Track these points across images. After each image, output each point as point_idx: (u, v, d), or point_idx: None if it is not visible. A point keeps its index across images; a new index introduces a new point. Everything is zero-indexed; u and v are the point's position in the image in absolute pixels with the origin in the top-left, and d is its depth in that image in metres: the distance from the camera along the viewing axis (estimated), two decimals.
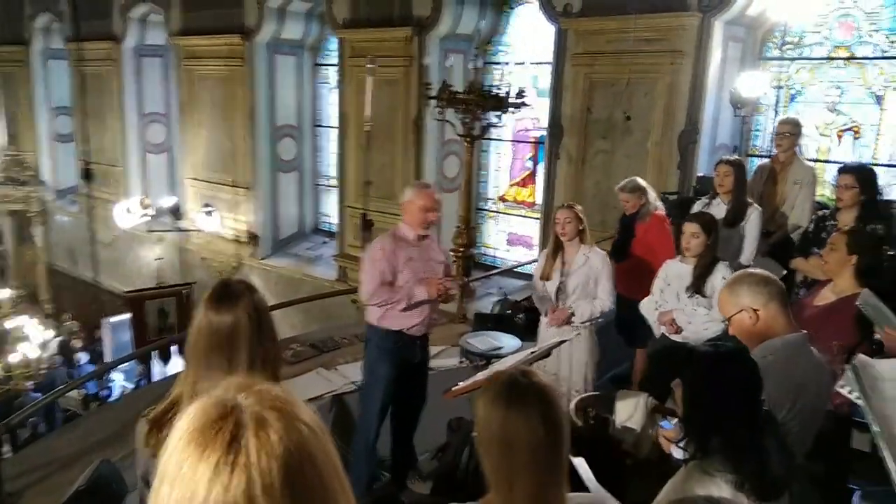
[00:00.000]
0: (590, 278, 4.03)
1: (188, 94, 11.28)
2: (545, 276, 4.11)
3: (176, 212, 9.68)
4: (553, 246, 4.15)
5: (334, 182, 10.32)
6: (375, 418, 3.77)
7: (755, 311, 2.28)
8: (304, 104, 10.77)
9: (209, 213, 10.47)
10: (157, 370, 8.64)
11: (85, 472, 3.00)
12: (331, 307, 8.26)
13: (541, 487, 1.40)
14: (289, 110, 10.63)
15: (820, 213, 4.28)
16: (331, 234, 10.68)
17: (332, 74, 10.31)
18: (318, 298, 6.43)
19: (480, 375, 3.33)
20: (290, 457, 0.75)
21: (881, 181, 6.24)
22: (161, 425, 1.64)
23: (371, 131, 8.48)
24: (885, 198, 5.73)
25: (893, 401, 1.21)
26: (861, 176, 3.96)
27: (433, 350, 4.88)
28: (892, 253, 4.12)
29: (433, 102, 5.98)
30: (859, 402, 1.21)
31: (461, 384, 3.26)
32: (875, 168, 6.23)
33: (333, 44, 9.96)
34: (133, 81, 12.11)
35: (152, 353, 8.28)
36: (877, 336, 2.75)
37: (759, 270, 2.54)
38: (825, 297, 3.08)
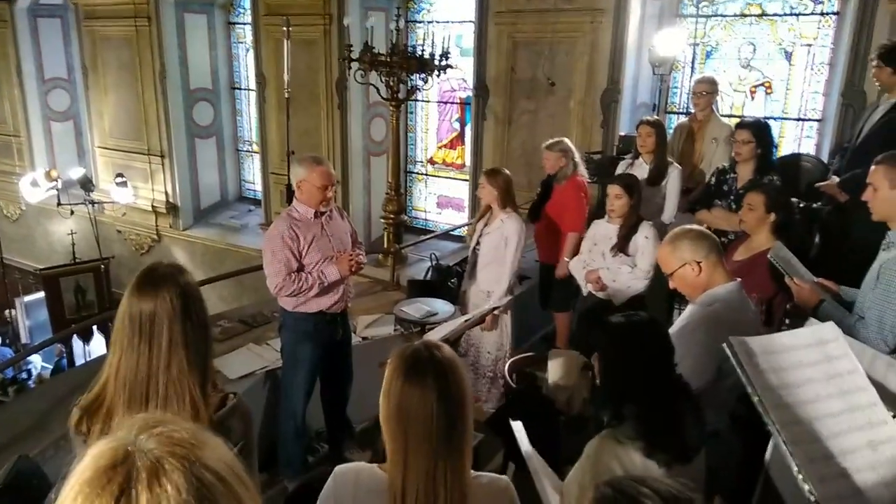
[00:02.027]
0: (500, 242, 4.15)
1: (92, 57, 10.52)
2: (470, 235, 4.45)
3: (86, 183, 9.08)
4: (482, 209, 4.37)
5: (256, 148, 9.98)
6: (301, 402, 3.72)
7: (698, 263, 2.40)
8: (220, 66, 10.24)
9: (122, 183, 9.91)
10: (79, 349, 8.27)
11: (0, 470, 2.84)
12: (262, 277, 8.05)
13: (435, 462, 1.40)
14: (203, 72, 10.10)
15: (720, 166, 4.44)
16: (256, 202, 10.36)
17: (247, 33, 9.84)
18: (247, 272, 6.23)
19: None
20: None
21: (792, 135, 6.58)
22: (91, 413, 1.59)
23: (292, 95, 8.21)
24: (793, 152, 6.03)
25: (767, 373, 1.28)
26: (756, 130, 4.12)
27: (368, 318, 4.87)
28: (802, 205, 4.36)
29: (355, 65, 5.81)
30: (741, 375, 1.28)
31: None
32: (785, 123, 6.56)
33: (246, 0, 9.50)
34: (30, 44, 11.16)
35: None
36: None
37: (695, 226, 2.66)
38: (742, 252, 3.23)
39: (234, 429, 1.56)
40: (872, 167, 2.48)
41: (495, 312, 4.17)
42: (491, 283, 4.29)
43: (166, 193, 10.24)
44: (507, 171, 4.34)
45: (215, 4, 10.03)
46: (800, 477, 1.18)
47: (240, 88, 10.40)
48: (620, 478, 1.13)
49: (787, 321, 3.36)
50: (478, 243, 4.32)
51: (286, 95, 6.06)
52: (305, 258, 3.47)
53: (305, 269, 3.47)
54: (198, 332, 1.55)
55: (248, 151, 10.58)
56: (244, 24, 9.93)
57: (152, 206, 10.33)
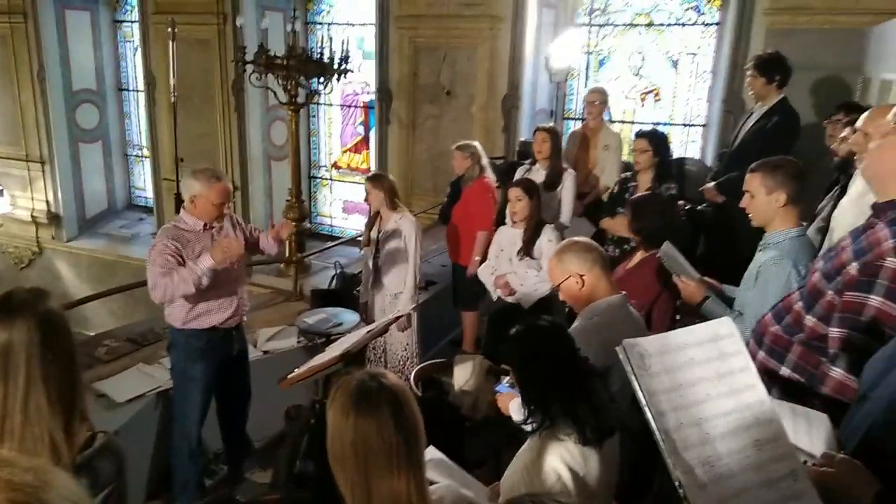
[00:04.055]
0: (400, 243, 4.17)
1: None
2: (365, 244, 4.39)
3: None
4: (371, 215, 4.37)
5: (147, 152, 9.47)
6: (195, 423, 3.52)
7: (581, 276, 2.44)
8: (105, 66, 9.66)
9: None
10: None
11: None
12: None
13: (400, 491, 1.37)
14: (86, 73, 9.49)
15: (623, 175, 4.62)
16: (148, 210, 9.83)
17: (135, 32, 9.33)
18: (139, 286, 5.86)
19: (316, 360, 3.25)
20: None
21: (678, 140, 6.94)
22: None
23: (184, 97, 7.83)
24: (679, 156, 6.34)
25: (659, 375, 1.29)
26: (653, 139, 4.30)
27: (270, 331, 4.70)
28: (688, 207, 4.58)
29: (250, 67, 5.60)
30: (632, 380, 1.29)
31: (297, 371, 3.15)
32: (672, 128, 6.91)
33: None
34: None
35: None
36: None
37: (582, 238, 2.69)
38: (633, 260, 3.35)
39: (102, 470, 1.42)
40: (748, 175, 2.60)
41: (400, 318, 4.14)
42: (397, 286, 4.27)
43: (47, 202, 9.56)
44: (391, 176, 4.42)
45: (100, 1, 9.44)
46: (680, 490, 1.21)
47: (127, 90, 9.85)
48: (523, 495, 1.13)
49: (678, 317, 3.53)
50: (377, 251, 4.26)
51: (172, 100, 5.76)
52: None
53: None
54: (61, 366, 1.40)
55: (138, 156, 10.02)
56: (132, 22, 9.40)
57: (32, 217, 9.62)
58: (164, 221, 8.73)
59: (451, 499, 1.62)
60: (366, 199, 4.33)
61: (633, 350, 1.32)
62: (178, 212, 3.57)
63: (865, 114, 2.19)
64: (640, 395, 1.28)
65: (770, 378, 1.95)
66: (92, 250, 9.49)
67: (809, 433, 1.46)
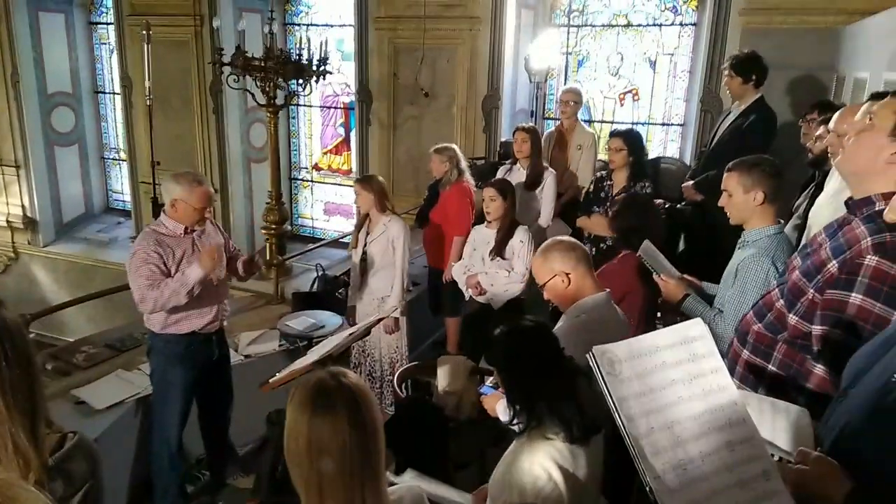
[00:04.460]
0: (388, 246, 4.14)
1: None
2: (353, 247, 4.35)
3: None
4: (360, 217, 4.34)
5: (124, 155, 9.35)
6: (175, 429, 3.48)
7: (567, 274, 2.45)
8: (81, 68, 9.52)
9: None
10: None
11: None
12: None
13: (355, 493, 1.35)
14: (62, 75, 9.33)
15: (598, 174, 4.65)
16: (126, 213, 9.70)
17: (111, 34, 9.20)
18: (118, 291, 5.77)
19: (298, 364, 3.22)
20: None
21: (658, 139, 6.99)
22: None
23: (162, 99, 7.75)
24: (659, 155, 6.40)
25: (630, 380, 1.29)
26: (628, 139, 4.33)
27: (251, 335, 4.66)
28: (667, 206, 4.62)
29: (228, 69, 5.55)
30: (602, 387, 1.27)
31: (278, 375, 3.12)
32: (651, 127, 6.97)
33: None
34: None
35: None
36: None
37: (566, 237, 2.71)
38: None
39: (75, 472, 1.40)
40: (725, 174, 2.63)
41: (384, 321, 4.13)
42: (384, 289, 4.24)
43: (23, 207, 9.38)
44: (380, 177, 4.35)
45: (74, 3, 9.31)
46: (651, 496, 1.21)
47: (104, 92, 9.71)
48: None
49: (659, 315, 3.56)
50: (364, 253, 4.24)
51: (147, 103, 5.70)
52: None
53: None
54: (18, 372, 1.38)
55: (115, 159, 9.88)
56: (107, 24, 9.28)
57: (7, 222, 9.45)
58: (143, 225, 8.67)
59: (411, 498, 1.59)
60: (355, 201, 4.30)
61: (604, 357, 1.30)
62: (155, 216, 3.52)
63: (837, 114, 2.22)
64: (610, 401, 1.27)
65: (756, 377, 1.97)
66: (69, 255, 9.34)
67: (789, 429, 1.47)
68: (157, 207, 3.34)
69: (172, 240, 3.23)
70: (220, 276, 3.37)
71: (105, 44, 9.52)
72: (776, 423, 1.44)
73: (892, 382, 1.24)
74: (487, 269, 4.01)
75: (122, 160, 9.52)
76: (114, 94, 9.45)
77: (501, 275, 3.96)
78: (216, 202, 3.40)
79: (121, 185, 9.88)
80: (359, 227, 4.34)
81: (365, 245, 4.25)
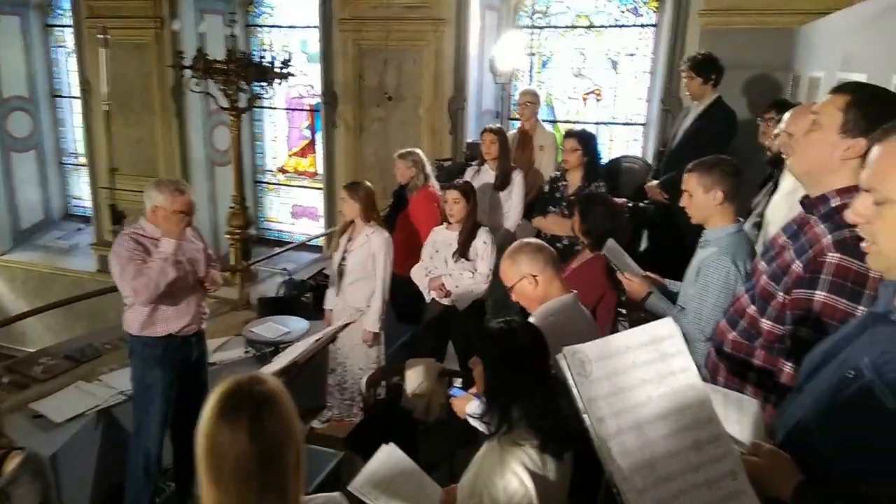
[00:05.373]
0: (368, 258, 4.07)
1: None
2: (333, 250, 4.26)
3: None
4: (344, 223, 4.25)
5: (84, 160, 9.12)
6: (155, 436, 3.41)
7: (534, 276, 2.46)
8: (37, 72, 9.27)
9: None
10: None
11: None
12: (96, 301, 7.36)
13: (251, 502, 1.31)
14: (17, 79, 9.09)
15: (553, 174, 4.67)
16: (86, 220, 9.47)
17: (68, 37, 8.98)
18: (80, 300, 5.63)
19: (265, 370, 3.18)
20: None
21: (622, 139, 7.08)
22: None
23: (122, 103, 7.59)
24: (622, 154, 6.47)
25: (600, 381, 1.28)
26: (582, 139, 4.33)
27: (216, 342, 4.58)
28: (630, 205, 4.67)
29: (189, 72, 5.45)
30: (571, 389, 1.27)
31: None
32: (614, 127, 7.05)
33: (67, 1, 8.66)
34: None
35: None
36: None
37: (534, 240, 2.72)
38: (578, 260, 3.39)
39: (23, 494, 1.36)
40: (685, 175, 2.66)
41: (364, 334, 4.12)
42: (360, 300, 4.15)
43: None
44: (369, 184, 4.23)
45: (30, 6, 9.06)
46: (618, 497, 1.21)
47: (62, 96, 9.48)
48: None
49: (623, 312, 3.59)
50: (343, 259, 4.17)
51: (105, 108, 5.57)
52: None
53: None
54: None
55: (75, 165, 9.65)
56: (65, 27, 9.05)
57: None
58: (104, 231, 8.49)
59: None
60: (340, 208, 4.23)
61: (574, 357, 1.28)
62: (115, 223, 3.45)
63: (787, 114, 2.26)
64: (579, 402, 1.26)
65: (738, 384, 1.96)
66: (27, 263, 9.09)
67: (740, 421, 1.49)
68: (117, 214, 3.27)
69: (151, 241, 3.22)
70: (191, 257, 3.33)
71: (62, 46, 9.29)
72: (728, 414, 1.46)
73: (848, 378, 1.26)
74: (451, 271, 4.00)
75: (82, 165, 9.29)
76: (72, 98, 9.23)
77: (466, 276, 3.96)
78: (198, 211, 3.34)
79: (80, 190, 9.65)
80: (341, 232, 4.25)
81: (345, 251, 4.17)
